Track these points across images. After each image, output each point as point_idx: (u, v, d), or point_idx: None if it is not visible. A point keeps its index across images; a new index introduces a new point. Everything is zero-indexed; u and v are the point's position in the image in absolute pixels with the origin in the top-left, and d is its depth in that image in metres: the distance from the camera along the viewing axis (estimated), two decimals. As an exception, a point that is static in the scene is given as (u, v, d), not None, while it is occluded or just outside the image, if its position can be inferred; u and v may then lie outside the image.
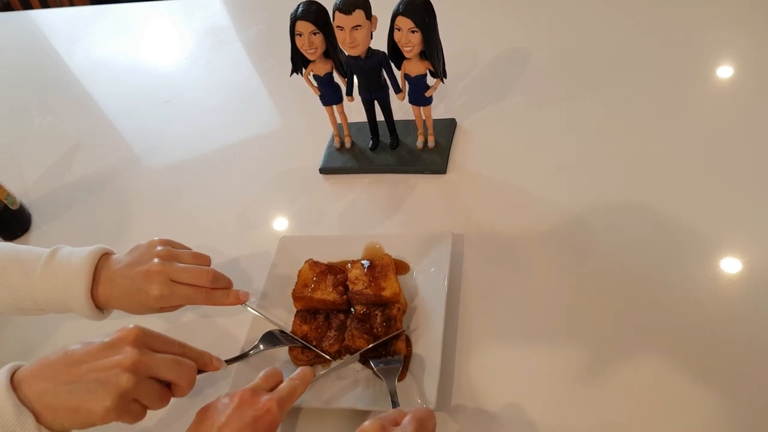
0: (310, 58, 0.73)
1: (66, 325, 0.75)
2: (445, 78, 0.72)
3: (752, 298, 0.59)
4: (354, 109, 0.82)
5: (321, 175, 0.85)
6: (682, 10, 0.92)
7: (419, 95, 0.75)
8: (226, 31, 1.24)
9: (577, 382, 0.57)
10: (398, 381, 0.58)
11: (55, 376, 0.47)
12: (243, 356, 0.62)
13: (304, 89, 0.79)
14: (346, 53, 0.72)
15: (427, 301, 0.65)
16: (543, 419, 0.56)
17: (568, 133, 0.81)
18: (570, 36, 0.95)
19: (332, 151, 0.86)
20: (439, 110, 0.89)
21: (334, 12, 0.67)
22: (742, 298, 0.60)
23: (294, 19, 0.69)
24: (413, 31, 0.66)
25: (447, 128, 0.84)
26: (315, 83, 0.77)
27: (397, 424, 0.48)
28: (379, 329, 0.61)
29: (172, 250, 0.63)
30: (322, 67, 0.75)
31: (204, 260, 0.65)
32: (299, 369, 0.57)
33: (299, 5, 0.69)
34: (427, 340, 0.61)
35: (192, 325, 0.71)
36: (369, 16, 0.67)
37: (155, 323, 0.71)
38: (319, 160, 0.86)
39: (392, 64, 0.73)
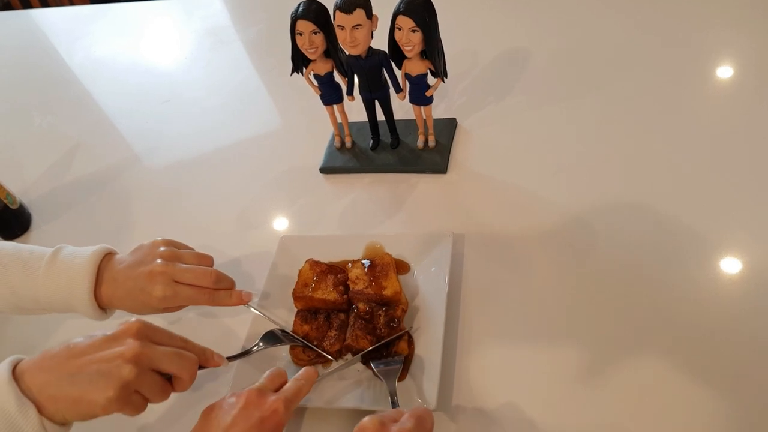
0: (310, 57, 0.73)
1: (67, 325, 0.75)
2: (446, 77, 0.72)
3: (752, 298, 0.59)
4: (354, 109, 0.82)
5: (321, 174, 0.85)
6: (682, 10, 0.92)
7: (420, 95, 0.75)
8: (227, 30, 1.24)
9: (577, 382, 0.57)
10: (399, 381, 0.58)
11: (57, 367, 0.47)
12: (244, 354, 0.62)
13: (304, 89, 0.79)
14: (347, 52, 0.72)
15: (428, 300, 0.65)
16: (543, 419, 0.56)
17: (569, 133, 0.81)
18: (570, 36, 0.95)
19: (333, 150, 0.86)
20: (439, 110, 0.89)
21: (334, 11, 0.67)
22: (742, 298, 0.60)
23: (294, 19, 0.69)
24: (414, 31, 0.66)
25: (447, 128, 0.84)
26: (315, 83, 0.77)
27: (396, 422, 0.48)
28: (383, 330, 0.61)
29: (175, 251, 0.63)
30: (322, 67, 0.75)
31: (207, 261, 0.65)
32: (303, 369, 0.57)
33: (300, 4, 0.69)
34: (427, 340, 0.61)
35: (193, 324, 0.71)
36: (370, 15, 0.67)
37: (156, 321, 0.70)
38: (319, 159, 0.86)
39: (393, 64, 0.73)
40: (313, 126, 0.90)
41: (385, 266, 0.66)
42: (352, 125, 0.85)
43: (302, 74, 0.76)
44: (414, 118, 0.80)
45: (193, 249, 0.67)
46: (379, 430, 0.46)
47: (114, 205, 0.92)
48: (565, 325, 0.62)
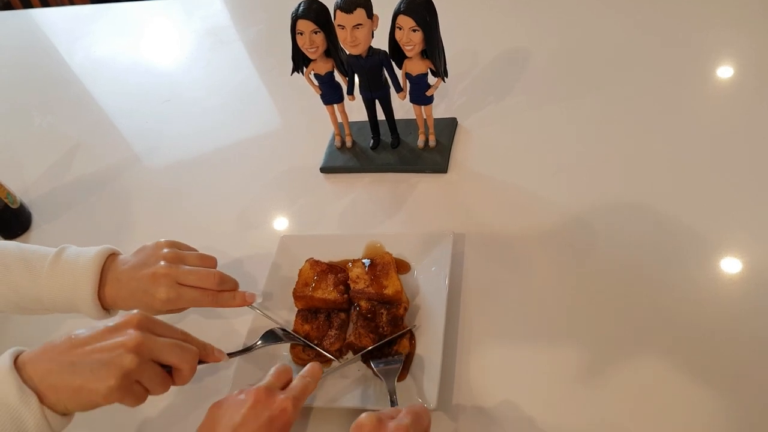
0: (311, 57, 0.73)
1: (68, 324, 0.75)
2: (446, 77, 0.72)
3: (752, 298, 0.59)
4: (355, 108, 0.83)
5: (322, 174, 0.85)
6: (682, 10, 0.92)
7: (420, 94, 0.75)
8: (227, 30, 1.24)
9: (577, 382, 0.57)
10: (399, 381, 0.58)
11: (59, 357, 0.48)
12: (245, 350, 0.62)
13: (304, 88, 0.79)
14: (347, 52, 0.72)
15: (428, 300, 0.65)
16: (543, 419, 0.56)
17: (569, 133, 0.81)
18: (570, 36, 0.95)
19: (333, 150, 0.86)
20: (440, 109, 0.89)
21: (335, 11, 0.67)
22: (742, 298, 0.60)
23: (295, 18, 0.69)
24: (414, 30, 0.66)
25: (448, 127, 0.84)
26: (316, 82, 0.77)
27: (393, 418, 0.48)
28: (386, 328, 0.61)
29: (179, 252, 0.63)
30: (323, 66, 0.75)
31: (210, 262, 0.65)
32: (309, 365, 0.57)
33: (300, 4, 0.69)
34: (427, 340, 0.61)
35: (194, 321, 0.71)
36: (370, 14, 0.67)
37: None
38: (319, 159, 0.86)
39: (393, 63, 0.73)
40: (314, 126, 0.90)
41: (385, 265, 0.66)
42: (352, 125, 0.85)
43: (303, 74, 0.76)
44: (414, 117, 0.80)
45: (196, 250, 0.67)
46: (376, 426, 0.46)
47: (114, 204, 0.92)
48: (565, 324, 0.62)
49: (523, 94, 0.88)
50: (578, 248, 0.68)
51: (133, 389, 0.49)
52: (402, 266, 0.69)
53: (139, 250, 0.64)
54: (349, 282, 0.66)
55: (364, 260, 0.67)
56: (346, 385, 0.61)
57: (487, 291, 0.67)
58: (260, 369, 0.63)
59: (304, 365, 0.60)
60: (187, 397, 0.65)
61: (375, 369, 0.59)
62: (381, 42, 0.71)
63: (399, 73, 0.74)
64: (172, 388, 0.60)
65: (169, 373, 0.52)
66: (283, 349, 0.65)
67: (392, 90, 0.76)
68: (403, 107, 0.85)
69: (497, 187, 0.77)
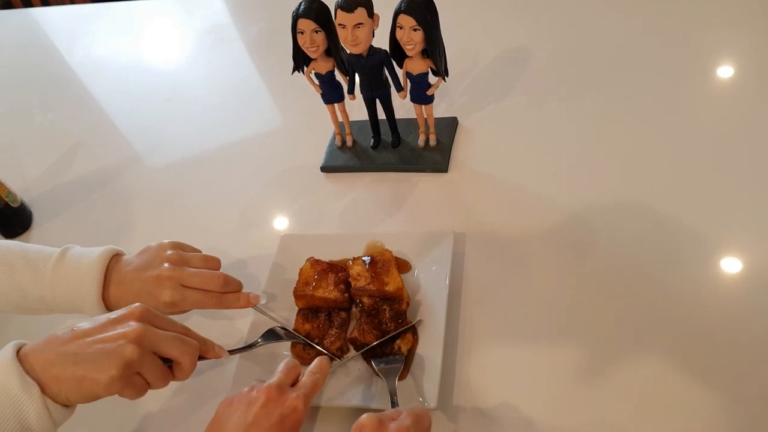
0: (311, 56, 0.73)
1: (69, 324, 0.75)
2: (447, 77, 0.72)
3: (752, 298, 0.59)
4: (355, 108, 0.83)
5: (322, 173, 0.86)
6: (683, 10, 0.92)
7: (421, 93, 0.75)
8: (227, 29, 1.24)
9: (577, 382, 0.57)
10: (400, 379, 0.58)
11: (61, 348, 0.48)
12: (246, 348, 0.62)
13: (305, 88, 0.79)
14: (348, 51, 0.72)
15: (429, 299, 0.65)
16: (543, 419, 0.56)
17: (569, 133, 0.81)
18: (570, 36, 0.95)
19: (333, 149, 0.86)
20: (440, 109, 0.89)
21: (336, 10, 0.67)
22: (742, 297, 0.60)
23: (296, 17, 0.69)
24: (415, 29, 0.66)
25: (448, 127, 0.84)
26: (316, 81, 0.77)
27: (394, 420, 0.48)
28: (389, 324, 0.61)
29: (183, 254, 0.63)
30: (323, 66, 0.75)
31: (214, 263, 0.65)
32: (317, 360, 0.57)
33: (301, 3, 0.69)
34: (428, 339, 0.61)
35: (196, 320, 0.71)
36: (371, 14, 0.67)
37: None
38: (320, 158, 0.86)
39: (394, 63, 0.73)
40: (314, 125, 0.90)
41: (386, 262, 0.66)
42: (353, 124, 0.85)
43: (303, 73, 0.76)
44: (415, 117, 0.80)
45: (200, 251, 0.67)
46: (377, 428, 0.46)
47: (115, 203, 0.92)
48: (566, 324, 0.62)
49: (523, 93, 0.88)
50: (578, 248, 0.68)
51: (133, 380, 0.49)
52: (403, 265, 0.69)
53: (142, 250, 0.64)
54: (349, 280, 0.66)
55: (364, 258, 0.67)
56: (347, 383, 0.61)
57: (487, 290, 0.67)
58: (261, 367, 0.63)
59: (305, 364, 0.60)
60: (188, 395, 0.65)
61: (376, 368, 0.59)
62: (382, 41, 0.71)
63: (400, 72, 0.74)
64: (174, 385, 0.60)
65: (169, 368, 0.53)
66: (284, 347, 0.65)
67: (393, 89, 0.77)
68: (403, 106, 0.85)
69: (498, 187, 0.77)
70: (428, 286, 0.66)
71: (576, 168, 0.76)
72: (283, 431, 0.50)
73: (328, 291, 0.65)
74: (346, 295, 0.65)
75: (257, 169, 0.90)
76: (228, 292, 0.63)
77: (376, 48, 0.72)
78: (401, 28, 0.67)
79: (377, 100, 0.79)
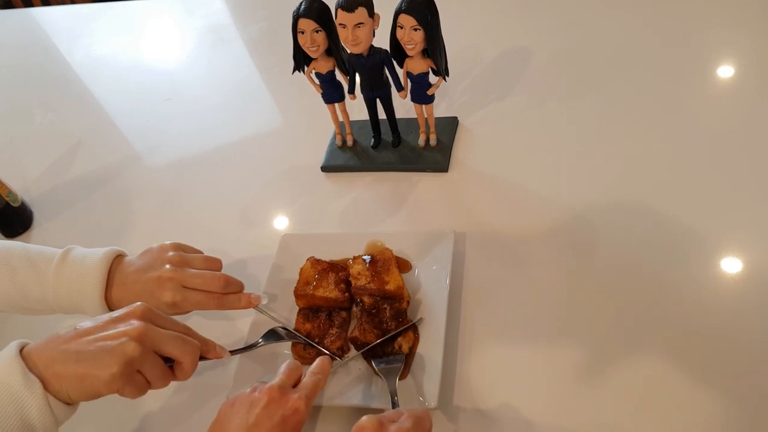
0: (312, 55, 0.73)
1: (69, 323, 0.75)
2: (448, 76, 0.72)
3: (752, 298, 0.59)
4: (356, 107, 0.83)
5: (323, 173, 0.86)
6: (683, 10, 0.92)
7: (421, 93, 0.75)
8: (227, 29, 1.24)
9: (578, 382, 0.57)
10: (401, 379, 0.58)
11: (63, 345, 0.48)
12: (247, 348, 0.62)
13: (305, 87, 0.79)
14: (349, 51, 0.72)
15: (429, 299, 0.65)
16: (543, 419, 0.56)
17: (569, 133, 0.81)
18: (571, 35, 0.96)
19: (334, 149, 0.86)
20: (440, 108, 0.89)
21: (336, 10, 0.67)
22: (742, 297, 0.60)
23: (296, 17, 0.69)
24: (416, 29, 0.66)
25: (449, 126, 0.84)
26: (317, 81, 0.78)
27: (393, 421, 0.48)
28: (389, 323, 0.61)
29: (184, 255, 0.64)
30: (324, 65, 0.75)
31: (215, 264, 0.66)
32: (318, 360, 0.57)
33: (301, 3, 0.69)
34: (428, 339, 0.61)
35: (197, 320, 0.71)
36: (371, 13, 0.67)
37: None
38: (320, 158, 0.86)
39: (394, 62, 0.73)
40: (315, 124, 0.91)
41: (386, 261, 0.66)
42: (353, 124, 0.85)
43: (304, 73, 0.76)
44: (415, 116, 0.81)
45: (201, 252, 0.67)
46: (377, 430, 0.46)
47: (115, 203, 0.92)
48: (566, 324, 0.62)
49: (523, 93, 0.88)
50: (579, 247, 0.68)
51: (134, 378, 0.49)
52: (403, 265, 0.69)
53: (144, 252, 0.65)
54: (350, 279, 0.66)
55: (364, 257, 0.67)
56: (348, 383, 0.61)
57: (488, 290, 0.67)
58: (262, 367, 0.63)
59: (306, 364, 0.60)
60: (190, 395, 0.65)
61: (376, 368, 0.59)
62: (382, 41, 0.71)
63: (400, 72, 0.74)
64: (175, 384, 0.61)
65: (170, 369, 0.53)
66: (285, 347, 0.65)
67: (393, 89, 0.77)
68: (404, 106, 0.85)
69: (498, 186, 0.77)
70: (429, 285, 0.66)
71: (576, 168, 0.76)
72: None
73: (329, 290, 0.65)
74: (347, 294, 0.66)
75: (257, 168, 0.90)
76: (229, 293, 0.64)
77: (376, 48, 0.72)
78: (402, 27, 0.67)
79: (378, 100, 0.79)
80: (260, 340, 0.64)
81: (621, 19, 0.95)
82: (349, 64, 0.75)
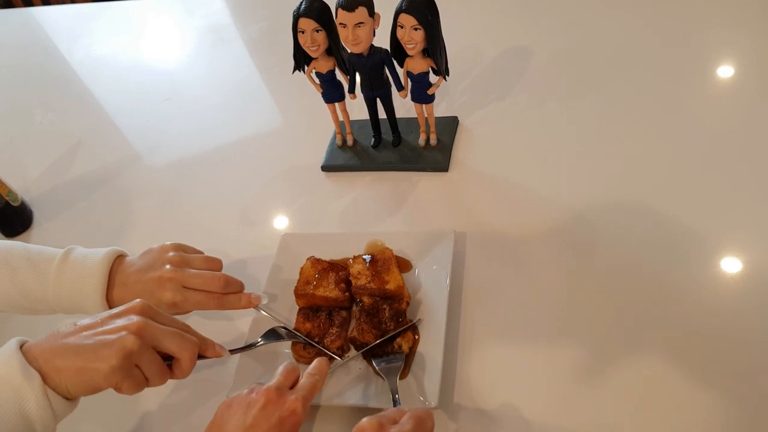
0: (312, 55, 0.73)
1: (70, 322, 0.75)
2: (448, 76, 0.72)
3: (752, 298, 0.59)
4: (356, 107, 0.83)
5: (323, 172, 0.86)
6: (683, 10, 0.92)
7: (422, 93, 0.75)
8: (227, 28, 1.24)
9: (578, 382, 0.57)
10: (401, 378, 0.58)
11: (63, 340, 0.48)
12: (247, 347, 0.62)
13: (305, 87, 0.79)
14: (349, 50, 0.72)
15: (429, 298, 0.65)
16: (543, 418, 0.56)
17: (569, 132, 0.81)
18: (571, 35, 0.96)
19: (334, 148, 0.86)
20: (441, 108, 0.89)
21: (337, 9, 0.67)
22: (742, 297, 0.60)
23: (297, 16, 0.69)
24: (416, 29, 0.66)
25: (449, 126, 0.84)
26: (317, 81, 0.78)
27: (395, 422, 0.48)
28: (389, 323, 0.61)
29: (184, 255, 0.64)
30: (324, 65, 0.75)
31: (215, 264, 0.66)
32: (316, 361, 0.57)
33: (302, 2, 0.69)
34: (429, 338, 0.61)
35: (197, 319, 0.71)
36: (372, 13, 0.67)
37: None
38: (320, 157, 0.86)
39: (395, 62, 0.73)
40: (315, 124, 0.91)
41: (386, 261, 0.66)
42: (353, 123, 0.85)
43: (304, 72, 0.76)
44: (415, 116, 0.81)
45: (202, 252, 0.67)
46: (377, 431, 0.46)
47: (115, 203, 0.92)
48: (566, 323, 0.62)
49: (524, 93, 0.88)
50: (579, 247, 0.68)
51: (133, 373, 0.49)
52: (403, 264, 0.69)
53: (145, 252, 0.65)
54: (350, 278, 0.66)
55: (364, 256, 0.67)
56: (348, 382, 0.61)
57: (488, 290, 0.67)
58: (262, 365, 0.63)
59: (306, 363, 0.60)
60: (190, 393, 0.65)
61: (376, 367, 0.59)
62: (382, 40, 0.71)
63: (400, 71, 0.74)
64: (175, 383, 0.61)
65: (169, 367, 0.53)
66: (285, 346, 0.65)
67: (393, 88, 0.77)
68: (404, 106, 0.85)
69: (498, 186, 0.77)
70: (429, 285, 0.66)
71: (576, 168, 0.76)
72: None
73: (329, 290, 0.65)
74: (347, 293, 0.66)
75: (257, 168, 0.90)
76: (229, 293, 0.64)
77: (376, 47, 0.72)
78: (402, 27, 0.67)
79: (378, 100, 0.79)
80: (260, 340, 0.64)
81: (621, 19, 0.95)
82: (350, 64, 0.75)
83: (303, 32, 0.70)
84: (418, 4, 0.65)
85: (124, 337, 0.48)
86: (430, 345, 0.61)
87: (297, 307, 0.68)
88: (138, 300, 0.53)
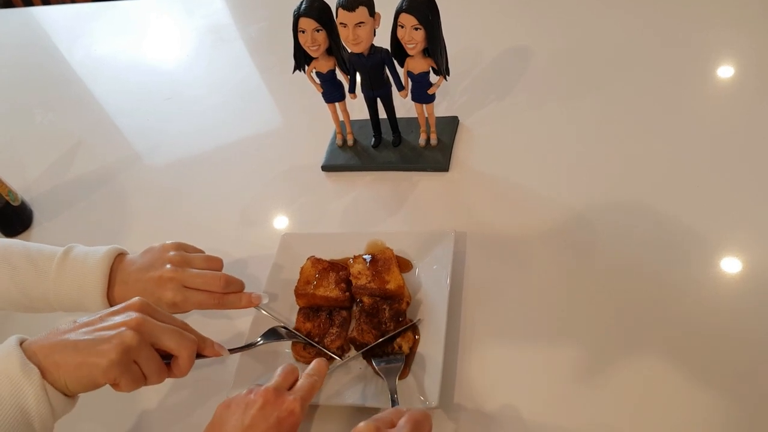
0: (313, 55, 0.73)
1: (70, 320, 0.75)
2: (448, 76, 0.72)
3: (752, 298, 0.59)
4: (356, 107, 0.83)
5: (323, 172, 0.86)
6: (683, 10, 0.93)
7: (422, 93, 0.75)
8: (228, 28, 1.24)
9: (578, 382, 0.57)
10: (401, 378, 0.58)
11: (63, 336, 0.49)
12: (247, 347, 0.62)
13: (305, 87, 0.79)
14: (349, 50, 0.72)
15: (430, 298, 0.65)
16: (544, 418, 0.56)
17: (570, 132, 0.81)
18: (571, 35, 0.96)
19: (334, 148, 0.86)
20: (441, 108, 0.89)
21: (337, 9, 0.67)
22: (742, 297, 0.60)
23: (297, 16, 0.69)
24: (416, 28, 0.66)
25: (449, 126, 0.84)
26: (317, 80, 0.78)
27: (393, 425, 0.47)
28: (388, 324, 0.61)
29: (185, 255, 0.64)
30: (324, 65, 0.75)
31: (216, 264, 0.66)
32: (315, 362, 0.57)
33: (302, 2, 0.69)
34: (429, 338, 0.61)
35: (197, 318, 0.71)
36: (372, 13, 0.67)
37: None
38: (321, 157, 0.86)
39: (395, 62, 0.73)
40: (315, 124, 0.91)
41: (387, 261, 0.66)
42: (353, 123, 0.85)
43: (304, 72, 0.76)
44: (416, 116, 0.81)
45: (202, 251, 0.67)
46: None
47: (115, 203, 0.92)
48: (566, 323, 0.62)
49: (524, 93, 0.88)
50: (579, 247, 0.68)
51: (131, 368, 0.49)
52: (404, 264, 0.69)
53: (146, 251, 0.65)
54: (350, 278, 0.66)
55: (365, 256, 0.67)
56: (347, 382, 0.61)
57: (488, 289, 0.67)
58: (263, 365, 0.63)
59: (306, 363, 0.60)
60: (190, 393, 0.65)
61: (376, 367, 0.59)
62: (383, 40, 0.71)
63: (401, 71, 0.74)
64: (176, 382, 0.60)
65: (167, 366, 0.53)
66: (285, 346, 0.65)
67: (394, 88, 0.77)
68: (404, 105, 0.85)
69: (498, 186, 0.77)
70: (429, 285, 0.66)
71: (576, 167, 0.76)
72: None
73: (329, 290, 0.65)
74: (347, 293, 0.66)
75: (258, 168, 0.90)
76: (230, 293, 0.64)
77: (377, 47, 0.72)
78: (402, 27, 0.67)
79: (378, 99, 0.79)
80: (260, 339, 0.64)
81: (621, 19, 0.95)
82: (350, 64, 0.75)
83: (303, 32, 0.70)
84: (418, 4, 0.65)
85: (123, 332, 0.48)
86: (431, 345, 0.61)
87: (297, 307, 0.68)
88: (137, 297, 0.53)
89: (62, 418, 0.49)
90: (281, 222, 0.82)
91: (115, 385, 0.49)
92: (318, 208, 0.82)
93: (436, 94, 0.75)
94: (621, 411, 0.55)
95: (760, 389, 0.53)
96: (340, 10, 0.66)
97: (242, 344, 0.63)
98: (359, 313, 0.63)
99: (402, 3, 0.65)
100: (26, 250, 0.62)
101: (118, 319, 0.50)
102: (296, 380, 0.55)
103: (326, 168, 0.85)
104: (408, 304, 0.64)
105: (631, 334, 0.60)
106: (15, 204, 0.88)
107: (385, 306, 0.63)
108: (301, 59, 0.75)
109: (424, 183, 0.80)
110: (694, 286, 0.62)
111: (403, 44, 0.68)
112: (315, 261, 0.68)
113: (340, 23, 0.68)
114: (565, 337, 0.61)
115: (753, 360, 0.55)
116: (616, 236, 0.68)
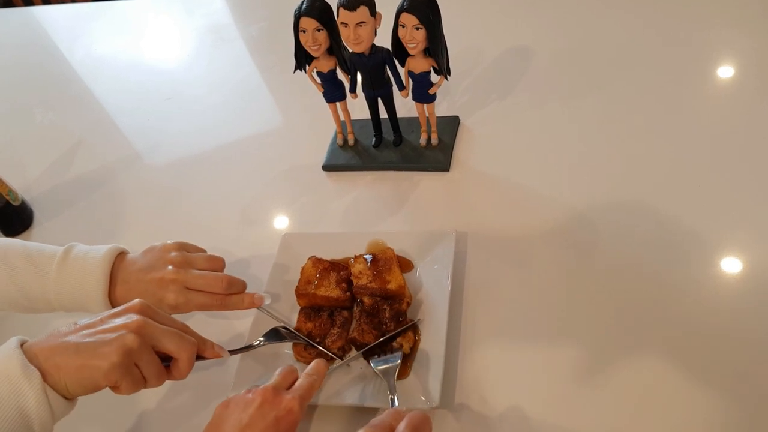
0: (313, 54, 0.73)
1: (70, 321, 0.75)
2: (449, 75, 0.72)
3: (752, 298, 0.59)
4: (357, 106, 0.83)
5: (324, 172, 0.86)
6: (684, 10, 0.93)
7: (423, 92, 0.75)
8: (228, 28, 1.24)
9: (578, 381, 0.57)
10: (402, 378, 0.59)
11: (64, 338, 0.49)
12: (248, 348, 0.62)
13: (306, 86, 0.79)
14: (350, 50, 0.72)
15: (431, 298, 0.65)
16: (544, 417, 0.56)
17: (571, 132, 0.81)
18: (572, 35, 0.96)
19: (335, 148, 0.86)
20: (442, 108, 0.89)
21: (338, 8, 0.67)
22: (742, 297, 0.60)
23: (298, 16, 0.69)
24: (417, 28, 0.66)
25: (450, 126, 0.84)
26: (318, 80, 0.78)
27: (391, 429, 0.46)
28: (389, 324, 0.61)
29: (187, 256, 0.64)
30: (325, 64, 0.75)
31: (218, 264, 0.66)
32: (314, 362, 0.57)
33: (303, 1, 0.69)
34: (430, 338, 0.61)
35: (197, 319, 0.71)
36: (373, 12, 0.67)
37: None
38: (321, 157, 0.86)
39: (396, 61, 0.73)
40: (316, 124, 0.90)
41: (387, 260, 0.66)
42: (354, 123, 0.85)
43: (305, 72, 0.76)
44: (417, 115, 0.81)
45: (204, 251, 0.67)
46: None
47: (115, 202, 0.92)
48: (567, 323, 0.62)
49: (525, 92, 0.88)
50: (580, 247, 0.68)
51: (132, 371, 0.49)
52: (404, 264, 0.69)
53: (147, 250, 0.64)
54: (351, 278, 0.66)
55: (365, 256, 0.67)
56: (347, 382, 0.61)
57: (489, 289, 0.67)
58: (263, 366, 0.63)
59: (306, 363, 0.60)
60: (191, 394, 0.65)
61: (374, 368, 0.59)
62: (384, 40, 0.71)
63: (401, 71, 0.74)
64: (176, 383, 0.60)
65: (167, 368, 0.53)
66: (286, 346, 0.65)
67: (395, 88, 0.77)
68: (405, 105, 0.85)
69: (499, 186, 0.77)
70: (430, 285, 0.66)
71: (577, 167, 0.76)
72: None
73: (330, 289, 0.65)
74: (348, 293, 0.65)
75: (258, 168, 0.90)
76: (232, 294, 0.64)
77: (378, 46, 0.72)
78: (403, 26, 0.67)
79: (379, 99, 0.79)
80: (261, 340, 0.63)
81: (622, 19, 0.95)
82: (351, 63, 0.75)
83: (304, 31, 0.70)
84: (419, 4, 0.65)
85: (124, 335, 0.48)
86: (432, 345, 0.61)
87: (298, 307, 0.68)
88: (137, 299, 0.53)
89: (61, 420, 0.49)
90: (282, 222, 0.82)
91: (115, 388, 0.49)
92: (319, 207, 0.82)
93: (437, 94, 0.75)
94: (621, 411, 0.55)
95: (760, 389, 0.54)
96: (341, 9, 0.66)
97: (242, 345, 0.63)
98: (360, 313, 0.63)
99: (403, 2, 0.65)
100: (25, 249, 0.62)
101: (118, 321, 0.50)
102: (295, 380, 0.55)
103: (327, 168, 0.85)
104: (409, 304, 0.64)
105: (632, 334, 0.60)
106: (15, 204, 0.88)
107: (385, 306, 0.63)
108: (302, 59, 0.75)
109: (424, 183, 0.80)
110: (694, 286, 0.62)
111: (404, 44, 0.68)
112: (316, 261, 0.68)
113: (341, 23, 0.68)
114: (566, 337, 0.61)
115: (753, 360, 0.55)
116: (617, 236, 0.68)
